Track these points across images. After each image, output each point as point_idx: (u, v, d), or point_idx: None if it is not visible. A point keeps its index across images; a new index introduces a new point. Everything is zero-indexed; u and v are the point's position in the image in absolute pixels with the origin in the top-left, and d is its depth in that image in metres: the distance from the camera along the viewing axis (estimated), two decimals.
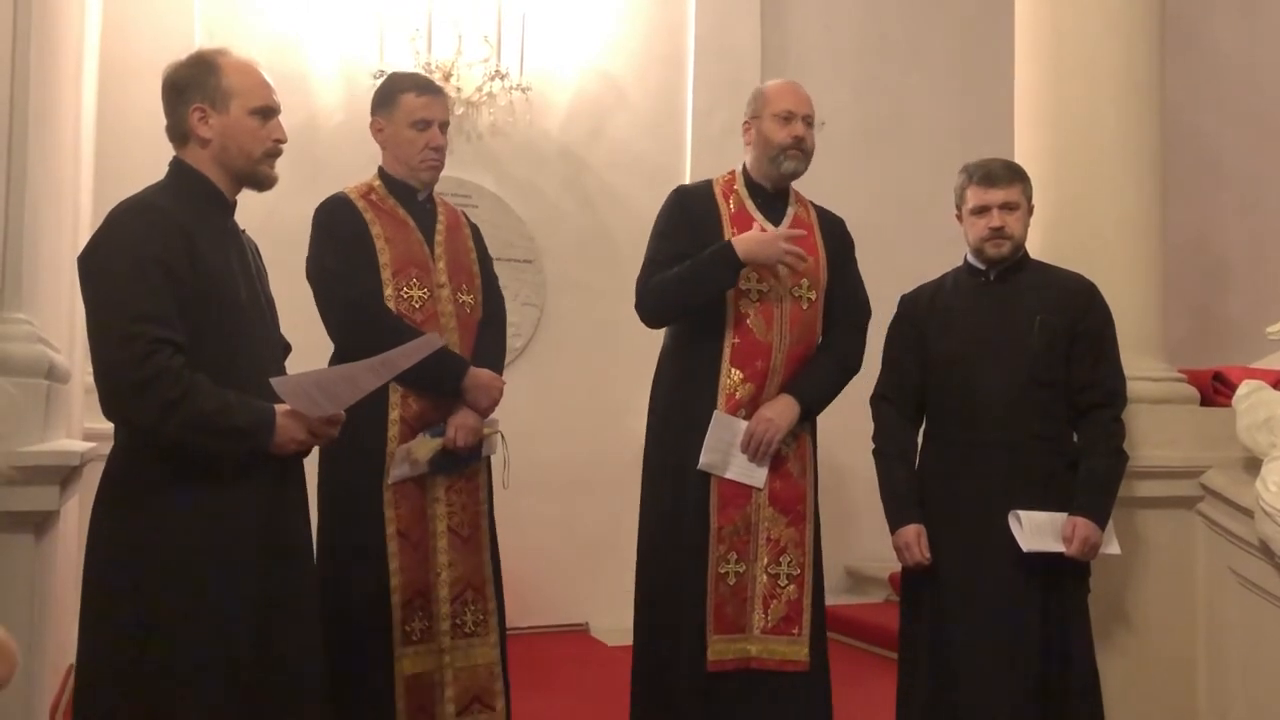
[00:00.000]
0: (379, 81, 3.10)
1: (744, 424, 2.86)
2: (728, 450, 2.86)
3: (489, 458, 2.96)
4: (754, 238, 2.82)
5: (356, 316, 2.77)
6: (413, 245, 2.85)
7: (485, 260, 3.04)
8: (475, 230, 3.06)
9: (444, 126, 2.90)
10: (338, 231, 2.81)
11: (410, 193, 2.90)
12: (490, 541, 2.93)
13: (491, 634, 2.87)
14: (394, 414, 2.77)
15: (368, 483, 2.75)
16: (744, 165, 3.03)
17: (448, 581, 2.81)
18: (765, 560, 2.88)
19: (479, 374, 2.83)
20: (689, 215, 2.96)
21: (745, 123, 3.01)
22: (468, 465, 2.87)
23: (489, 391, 2.84)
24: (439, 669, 2.78)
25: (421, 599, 2.77)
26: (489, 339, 2.96)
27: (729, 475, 2.86)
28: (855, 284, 3.06)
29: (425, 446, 2.76)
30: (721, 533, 2.85)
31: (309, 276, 2.84)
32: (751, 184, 3.00)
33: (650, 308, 2.94)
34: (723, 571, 2.85)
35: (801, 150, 2.94)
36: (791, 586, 2.90)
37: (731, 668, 2.84)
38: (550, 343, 5.46)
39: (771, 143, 2.93)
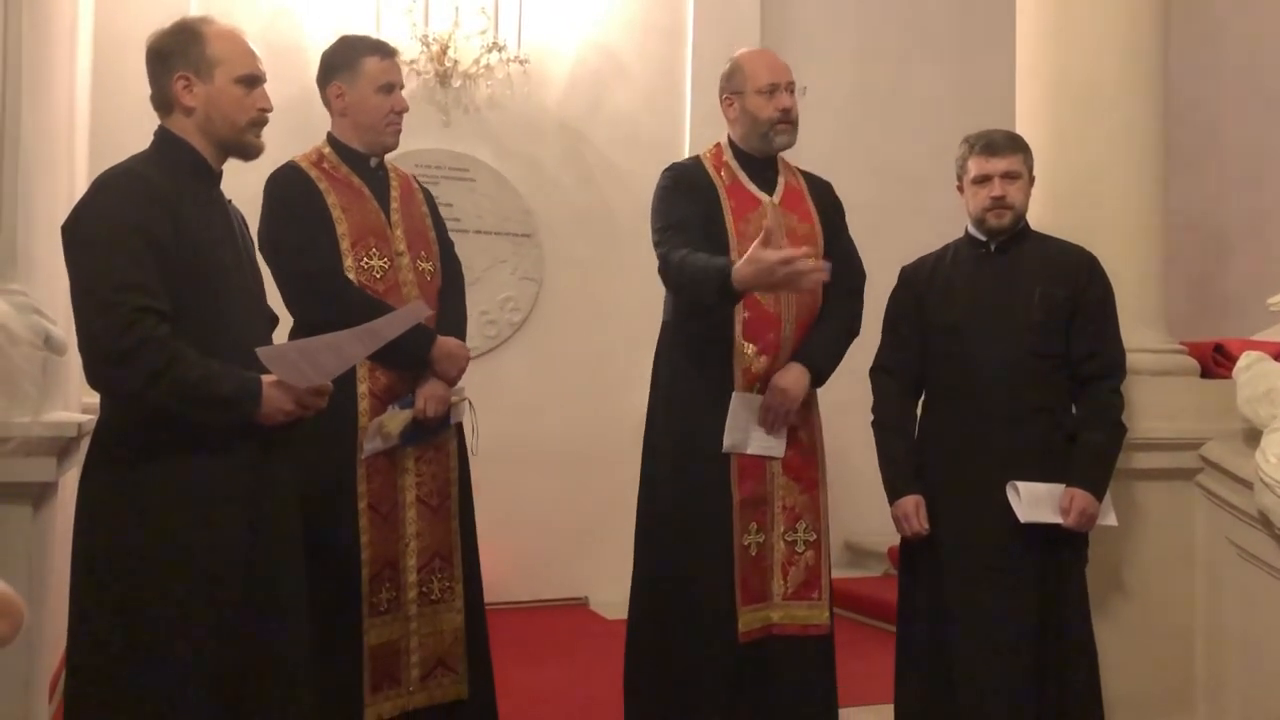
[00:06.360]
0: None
1: (760, 399, 2.86)
2: (747, 426, 2.85)
3: (459, 426, 2.93)
4: (750, 270, 2.57)
5: (317, 289, 2.70)
6: (369, 214, 2.78)
7: (440, 225, 2.98)
8: (429, 195, 3.00)
9: (401, 89, 2.84)
10: (292, 203, 2.73)
11: (362, 160, 2.83)
12: (462, 510, 2.90)
13: (457, 600, 2.85)
14: (362, 388, 2.72)
15: (339, 458, 2.70)
16: (728, 138, 3.00)
17: (415, 551, 2.78)
18: (782, 528, 2.89)
19: (446, 343, 2.79)
20: (689, 187, 2.91)
21: (726, 97, 2.96)
22: (437, 435, 2.84)
23: (456, 360, 2.80)
24: (405, 636, 2.77)
25: (390, 570, 2.75)
26: (451, 306, 2.90)
27: (750, 451, 2.86)
28: (849, 247, 3.04)
29: (396, 420, 2.73)
30: (743, 505, 2.85)
31: (261, 249, 2.68)
32: (740, 155, 2.97)
33: (671, 283, 2.89)
34: (745, 543, 2.85)
35: (790, 122, 2.90)
36: (809, 552, 2.91)
37: (757, 637, 2.84)
38: (549, 317, 5.45)
39: (760, 119, 2.89)
